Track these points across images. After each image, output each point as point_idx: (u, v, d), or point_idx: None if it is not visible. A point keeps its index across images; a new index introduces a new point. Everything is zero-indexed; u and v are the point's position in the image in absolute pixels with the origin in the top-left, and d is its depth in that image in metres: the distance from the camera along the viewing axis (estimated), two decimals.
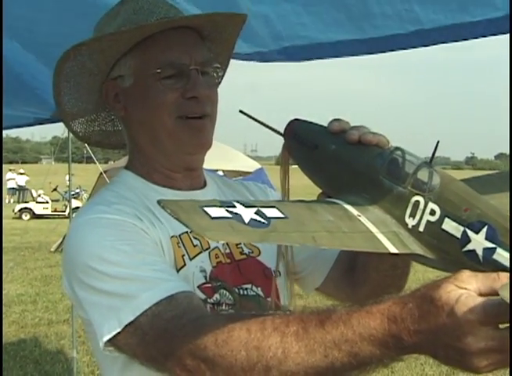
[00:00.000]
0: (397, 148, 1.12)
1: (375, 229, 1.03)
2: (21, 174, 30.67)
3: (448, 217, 1.00)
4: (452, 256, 1.00)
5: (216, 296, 1.39)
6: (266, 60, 2.49)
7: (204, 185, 1.58)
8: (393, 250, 1.01)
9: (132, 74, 1.45)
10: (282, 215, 0.95)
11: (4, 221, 11.28)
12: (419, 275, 6.98)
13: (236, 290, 1.43)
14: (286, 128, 1.36)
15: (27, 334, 7.29)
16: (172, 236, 1.39)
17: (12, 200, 29.41)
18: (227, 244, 1.48)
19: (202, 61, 1.45)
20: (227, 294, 1.41)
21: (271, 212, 0.95)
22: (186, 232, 1.42)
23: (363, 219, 1.05)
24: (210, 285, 1.39)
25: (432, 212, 1.02)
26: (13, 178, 30.51)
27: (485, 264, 0.95)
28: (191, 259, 1.39)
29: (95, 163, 12.31)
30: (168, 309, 1.17)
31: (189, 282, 1.36)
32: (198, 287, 1.37)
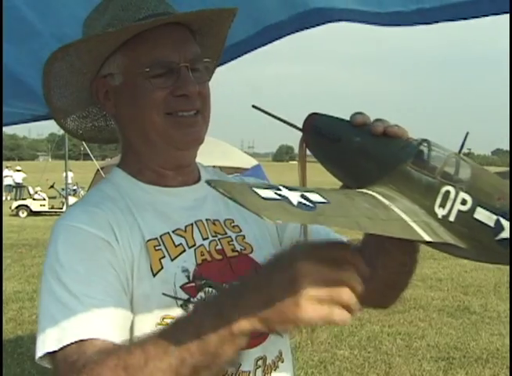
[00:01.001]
0: (424, 140, 1.12)
1: (408, 218, 1.03)
2: (18, 171, 30.67)
3: (481, 206, 1.00)
4: (485, 245, 0.99)
5: (200, 295, 1.37)
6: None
7: (198, 180, 1.57)
8: (427, 238, 1.01)
9: (121, 73, 1.45)
10: (324, 200, 0.95)
11: None
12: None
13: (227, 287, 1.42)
14: (305, 123, 1.35)
15: (25, 331, 7.28)
16: (149, 240, 1.38)
17: (9, 198, 29.39)
18: (219, 240, 1.48)
19: (192, 58, 1.44)
20: (213, 291, 1.39)
21: (314, 197, 0.94)
22: (168, 232, 1.42)
23: (395, 208, 1.05)
24: (193, 284, 1.37)
25: (464, 202, 1.02)
26: (10, 176, 30.48)
27: None
28: (172, 260, 1.38)
29: (92, 160, 12.35)
30: (75, 357, 1.19)
31: (170, 283, 1.35)
32: (181, 287, 1.36)
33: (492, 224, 0.98)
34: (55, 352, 1.22)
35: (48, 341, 1.23)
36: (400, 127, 1.19)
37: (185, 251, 1.41)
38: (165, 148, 1.46)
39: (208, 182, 0.87)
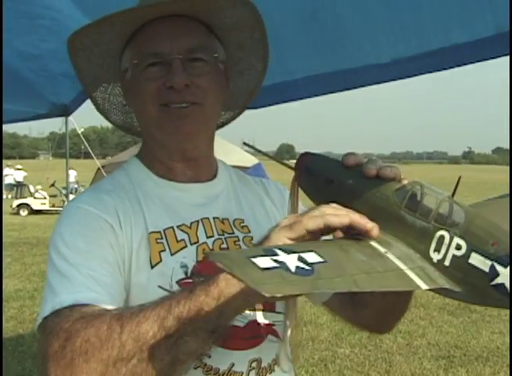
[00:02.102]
0: (416, 182, 1.12)
1: (404, 266, 1.03)
2: (19, 169, 30.64)
3: (476, 251, 1.00)
4: (480, 289, 0.99)
5: (196, 281, 1.38)
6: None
7: (213, 177, 1.58)
8: (424, 286, 1.01)
9: (130, 67, 1.47)
10: (322, 260, 0.95)
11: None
12: None
13: None
14: (297, 162, 1.35)
15: (26, 329, 7.29)
16: (152, 232, 1.40)
17: (9, 196, 29.38)
18: (225, 239, 1.48)
19: (190, 47, 1.42)
20: None
21: (311, 257, 0.94)
22: (172, 227, 1.43)
23: (391, 256, 1.05)
24: (191, 280, 1.37)
25: (458, 247, 1.02)
26: (11, 174, 30.47)
27: None
28: (172, 254, 1.39)
29: (92, 158, 12.32)
30: (70, 314, 1.20)
31: (167, 277, 1.36)
32: (177, 282, 1.36)
33: (486, 269, 0.98)
34: (47, 317, 1.24)
35: (45, 307, 1.26)
36: (393, 168, 1.19)
37: (186, 246, 1.41)
38: (165, 140, 1.47)
39: (207, 254, 0.87)
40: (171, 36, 1.42)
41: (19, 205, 22.59)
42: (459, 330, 7.40)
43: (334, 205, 1.11)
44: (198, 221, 1.47)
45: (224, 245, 1.47)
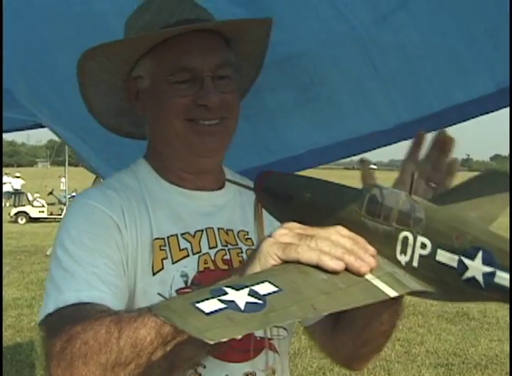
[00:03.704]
0: (374, 185, 1.09)
1: (369, 276, 1.00)
2: (17, 177, 30.62)
3: (441, 248, 0.98)
4: (453, 286, 0.97)
5: (196, 288, 1.37)
6: None
7: (221, 187, 1.58)
8: (393, 293, 0.99)
9: (149, 76, 1.47)
10: (276, 289, 0.91)
11: None
12: None
13: None
14: (255, 184, 1.33)
15: (24, 338, 7.27)
16: (156, 239, 1.40)
17: (7, 204, 29.33)
18: (228, 250, 1.48)
19: (218, 64, 1.43)
20: None
21: (264, 289, 0.90)
22: (176, 234, 1.43)
23: None
24: (190, 290, 1.37)
25: (423, 246, 1.00)
26: (9, 182, 30.43)
27: (488, 289, 0.92)
28: (173, 263, 1.39)
29: None
30: (72, 314, 1.22)
31: (167, 285, 1.36)
32: (176, 291, 1.36)
33: (455, 265, 0.96)
34: (52, 313, 1.25)
35: (49, 304, 1.27)
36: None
37: (188, 256, 1.42)
38: (185, 153, 1.47)
39: (149, 308, 0.86)
40: (202, 52, 1.43)
41: (17, 213, 22.54)
42: (458, 337, 7.39)
43: (334, 237, 1.04)
44: (202, 230, 1.47)
45: (227, 256, 1.47)
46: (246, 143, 2.09)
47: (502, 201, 1.34)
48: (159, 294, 1.35)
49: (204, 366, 1.33)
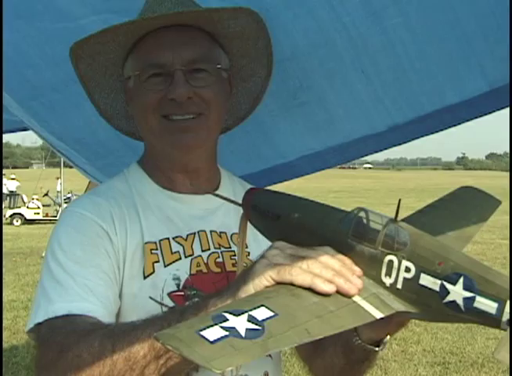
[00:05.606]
0: (360, 209, 1.12)
1: (356, 297, 1.04)
2: (12, 179, 30.53)
3: (424, 272, 1.03)
4: (435, 308, 1.02)
5: (188, 304, 1.36)
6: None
7: (215, 189, 1.55)
8: (378, 315, 1.03)
9: (133, 76, 1.46)
10: (272, 314, 0.95)
11: None
12: None
13: None
14: (244, 199, 1.34)
15: (19, 340, 7.24)
16: (147, 242, 1.39)
17: (3, 206, 29.25)
18: (221, 253, 1.47)
19: (193, 58, 1.41)
20: None
21: (261, 314, 0.94)
22: (168, 238, 1.42)
23: None
24: (182, 293, 1.37)
25: (407, 270, 1.04)
26: (4, 184, 30.34)
27: (467, 312, 0.98)
28: (165, 266, 1.39)
29: None
30: (63, 326, 1.23)
31: (158, 289, 1.36)
32: (168, 294, 1.36)
33: (437, 289, 1.01)
34: (40, 324, 1.25)
35: (38, 313, 1.27)
36: None
37: (180, 259, 1.41)
38: (165, 151, 1.46)
39: (156, 338, 0.87)
40: (173, 47, 1.40)
41: (13, 215, 22.47)
42: (455, 336, 7.40)
43: (324, 258, 1.07)
44: (194, 233, 1.46)
45: (219, 259, 1.46)
46: (238, 150, 2.08)
47: (476, 220, 1.44)
48: (151, 298, 1.35)
49: (197, 371, 1.33)
